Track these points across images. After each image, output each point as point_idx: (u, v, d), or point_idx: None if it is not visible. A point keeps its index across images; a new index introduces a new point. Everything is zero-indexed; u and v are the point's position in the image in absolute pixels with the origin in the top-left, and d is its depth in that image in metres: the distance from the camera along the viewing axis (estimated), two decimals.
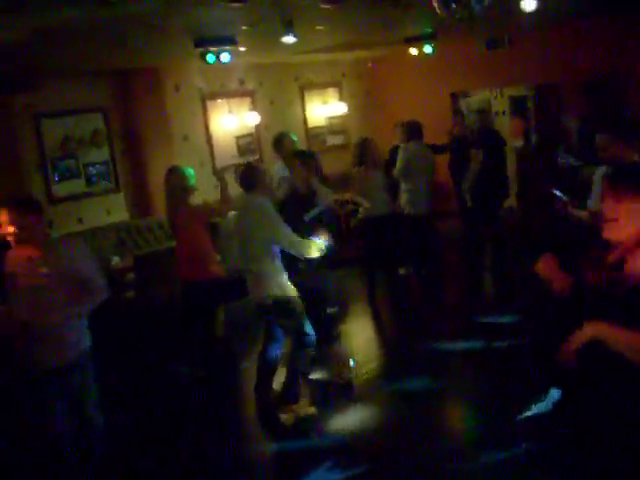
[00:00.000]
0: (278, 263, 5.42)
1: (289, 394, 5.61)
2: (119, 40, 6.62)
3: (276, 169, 7.28)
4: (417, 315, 7.90)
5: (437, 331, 7.17)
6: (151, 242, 9.16)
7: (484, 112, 9.79)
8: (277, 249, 5.39)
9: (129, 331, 6.97)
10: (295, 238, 5.30)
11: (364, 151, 8.05)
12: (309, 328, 5.45)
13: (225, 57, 7.45)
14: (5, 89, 8.23)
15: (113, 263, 8.23)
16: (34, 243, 4.28)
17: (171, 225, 6.43)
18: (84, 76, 9.09)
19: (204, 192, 10.44)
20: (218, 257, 6.57)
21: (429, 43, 9.51)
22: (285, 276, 5.44)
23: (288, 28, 6.55)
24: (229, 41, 7.31)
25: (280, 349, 5.75)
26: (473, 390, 5.78)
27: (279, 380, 5.74)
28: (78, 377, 4.34)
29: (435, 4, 5.13)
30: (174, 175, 6.27)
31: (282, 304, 5.36)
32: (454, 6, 5.13)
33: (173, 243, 8.44)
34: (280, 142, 7.43)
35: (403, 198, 8.50)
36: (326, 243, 5.40)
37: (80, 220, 9.03)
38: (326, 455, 4.93)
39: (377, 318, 8.15)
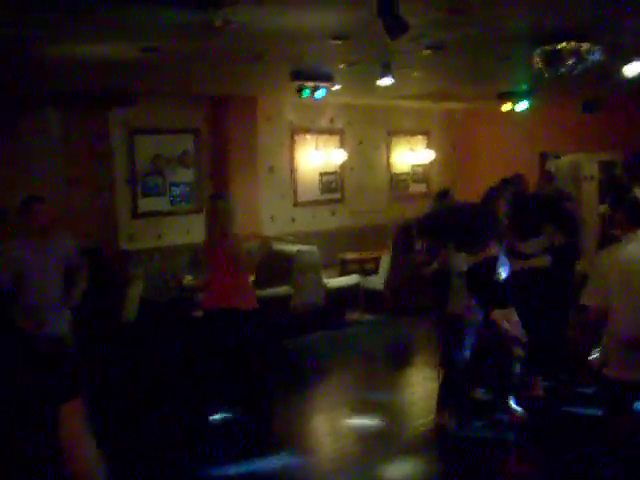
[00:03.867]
0: None
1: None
2: (219, 67, 6.81)
3: None
4: None
5: None
6: None
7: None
8: None
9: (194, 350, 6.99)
10: None
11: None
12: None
13: (320, 93, 7.57)
14: (104, 104, 8.58)
15: (185, 281, 8.34)
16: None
17: (211, 253, 6.10)
18: (179, 97, 9.38)
19: (282, 224, 10.60)
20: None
21: (524, 100, 9.44)
22: None
23: (386, 70, 6.61)
24: (326, 77, 7.43)
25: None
26: None
27: None
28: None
29: (537, 59, 5.10)
30: (223, 200, 6.16)
31: None
32: (556, 63, 5.08)
33: None
34: (445, 197, 7.12)
35: None
36: None
37: (159, 236, 9.22)
38: None
39: None
